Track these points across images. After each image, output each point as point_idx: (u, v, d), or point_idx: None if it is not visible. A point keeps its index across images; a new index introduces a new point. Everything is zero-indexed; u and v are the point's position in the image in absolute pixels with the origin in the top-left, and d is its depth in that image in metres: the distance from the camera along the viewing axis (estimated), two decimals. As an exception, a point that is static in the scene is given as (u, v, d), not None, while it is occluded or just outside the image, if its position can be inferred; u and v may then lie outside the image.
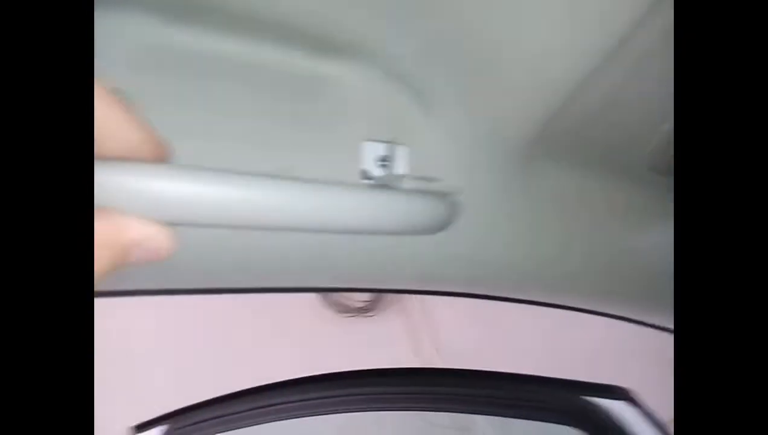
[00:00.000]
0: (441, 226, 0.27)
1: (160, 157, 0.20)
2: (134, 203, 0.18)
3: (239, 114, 0.29)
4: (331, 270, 0.35)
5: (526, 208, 0.37)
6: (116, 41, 0.26)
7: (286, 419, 0.68)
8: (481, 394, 0.68)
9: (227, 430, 0.65)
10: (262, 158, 0.29)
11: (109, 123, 0.18)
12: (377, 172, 0.32)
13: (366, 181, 0.31)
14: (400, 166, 0.32)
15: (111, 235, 0.18)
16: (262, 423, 0.65)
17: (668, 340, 0.36)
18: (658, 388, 0.60)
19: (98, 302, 0.17)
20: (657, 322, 0.54)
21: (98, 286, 0.17)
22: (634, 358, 1.01)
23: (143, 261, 0.19)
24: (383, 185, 0.30)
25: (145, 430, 0.65)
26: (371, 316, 1.32)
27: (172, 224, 0.19)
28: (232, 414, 0.67)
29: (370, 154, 0.32)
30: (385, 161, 0.32)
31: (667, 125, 0.32)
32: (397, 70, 0.30)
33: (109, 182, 0.18)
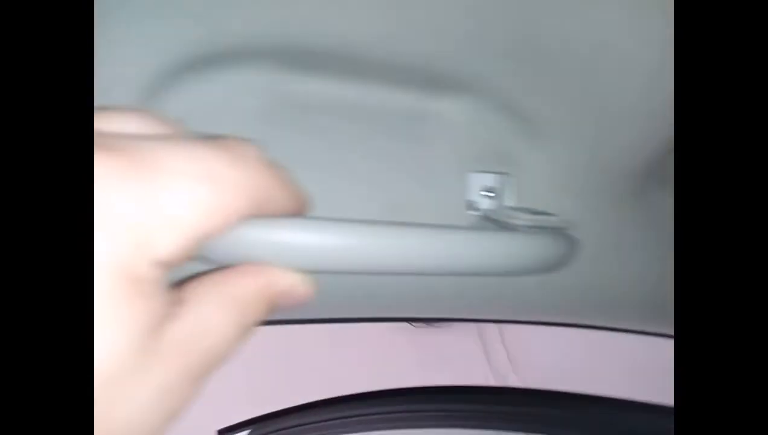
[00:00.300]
0: (559, 266, 0.27)
1: (302, 208, 0.21)
2: (281, 256, 0.20)
3: (352, 155, 0.30)
4: (435, 301, 0.35)
5: (641, 241, 0.36)
6: (245, 95, 0.27)
7: (362, 431, 0.69)
8: (560, 416, 0.66)
9: (305, 439, 0.67)
10: (376, 196, 0.30)
11: (272, 190, 0.19)
12: (484, 203, 0.32)
13: (472, 213, 0.32)
14: (507, 198, 0.32)
15: (265, 289, 0.19)
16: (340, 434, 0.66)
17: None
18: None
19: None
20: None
21: (248, 338, 0.18)
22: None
23: (288, 307, 0.20)
24: (497, 222, 0.30)
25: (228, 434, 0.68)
26: (440, 326, 1.32)
27: (310, 272, 0.21)
28: (310, 423, 0.68)
29: (476, 186, 0.32)
30: (491, 192, 0.32)
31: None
32: (504, 102, 0.31)
33: (260, 239, 0.19)
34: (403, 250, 0.22)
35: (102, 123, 0.17)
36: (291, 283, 0.20)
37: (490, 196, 0.32)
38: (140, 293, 0.15)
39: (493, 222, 0.31)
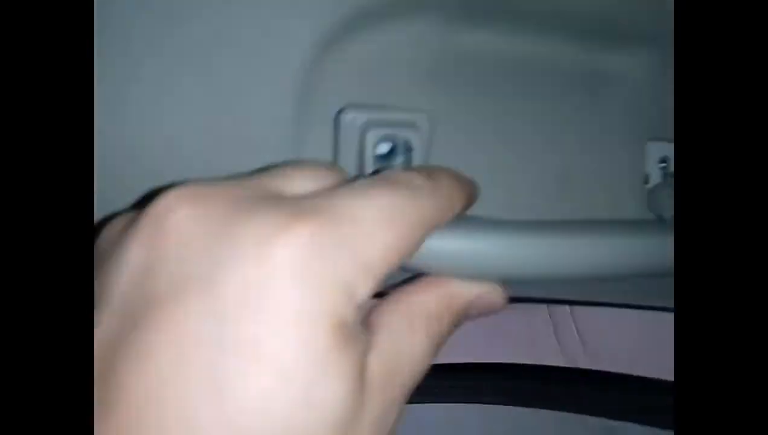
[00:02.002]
0: None
1: (473, 200, 0.21)
2: (462, 266, 0.20)
3: (520, 115, 0.28)
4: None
5: None
6: (412, 50, 0.25)
7: (425, 402, 0.70)
8: (630, 401, 0.64)
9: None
10: (545, 163, 0.29)
11: (448, 209, 0.20)
12: (658, 175, 0.30)
13: (647, 186, 0.30)
14: None
15: (452, 302, 0.20)
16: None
17: None
18: None
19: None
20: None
21: (438, 354, 0.19)
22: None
23: (480, 316, 0.21)
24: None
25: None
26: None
27: (500, 281, 0.21)
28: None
29: (654, 155, 0.30)
30: (665, 163, 0.30)
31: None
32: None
33: (437, 248, 0.19)
34: (592, 259, 0.21)
35: (283, 186, 0.18)
36: (477, 293, 0.21)
37: (663, 168, 0.30)
38: (350, 338, 0.16)
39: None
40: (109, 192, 0.23)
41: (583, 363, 0.79)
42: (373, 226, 0.17)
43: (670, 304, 0.41)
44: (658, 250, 0.22)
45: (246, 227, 0.16)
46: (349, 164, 0.25)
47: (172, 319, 0.15)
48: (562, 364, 0.79)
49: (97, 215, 0.22)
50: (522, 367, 0.76)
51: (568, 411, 0.75)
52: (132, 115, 0.23)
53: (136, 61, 0.22)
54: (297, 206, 0.17)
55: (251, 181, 0.18)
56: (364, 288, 0.16)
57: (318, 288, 0.15)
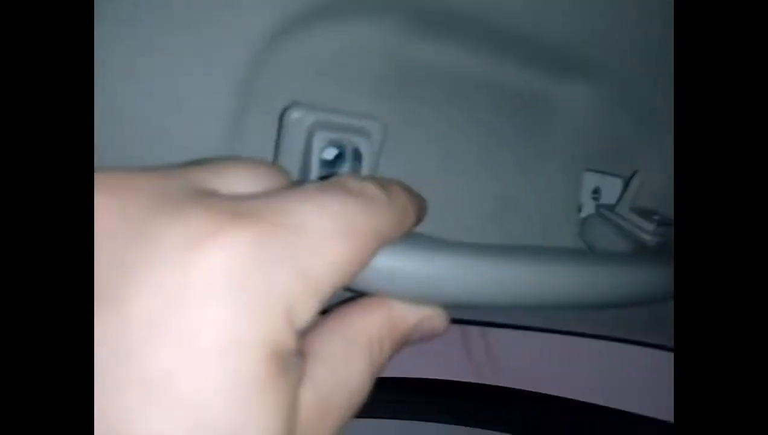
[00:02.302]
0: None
1: (421, 217, 0.20)
2: (408, 289, 0.18)
3: (467, 133, 0.27)
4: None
5: None
6: (364, 54, 0.24)
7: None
8: (532, 417, 0.66)
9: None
10: (486, 185, 0.28)
11: (400, 224, 0.18)
12: (590, 206, 0.30)
13: (582, 215, 0.30)
14: (612, 198, 0.30)
15: (393, 325, 0.18)
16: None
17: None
18: None
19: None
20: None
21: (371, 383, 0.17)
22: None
23: (421, 340, 0.19)
24: (614, 227, 0.28)
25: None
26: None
27: (442, 305, 0.19)
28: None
29: (589, 185, 0.30)
30: (597, 193, 0.30)
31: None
32: (629, 96, 0.29)
33: (378, 267, 0.17)
34: (540, 287, 0.20)
35: (218, 183, 0.15)
36: (421, 318, 0.19)
37: (595, 198, 0.30)
38: (284, 369, 0.13)
39: (608, 225, 0.29)
40: None
41: (490, 378, 0.81)
42: (323, 238, 0.14)
43: (583, 328, 0.43)
44: (610, 279, 0.22)
45: (169, 227, 0.13)
46: (291, 167, 0.23)
47: None
48: (471, 380, 0.80)
49: None
50: (433, 381, 0.77)
51: (475, 426, 0.76)
52: None
53: None
54: (234, 207, 0.14)
55: (180, 173, 0.15)
56: (307, 310, 0.14)
57: (253, 308, 0.13)
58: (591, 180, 0.30)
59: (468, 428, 0.77)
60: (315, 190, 0.15)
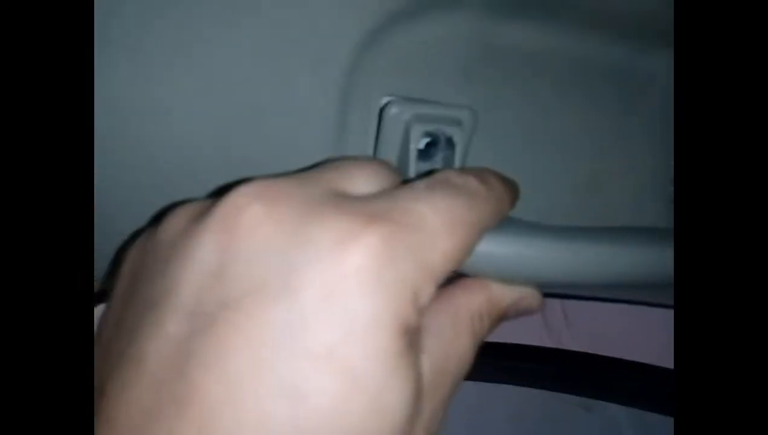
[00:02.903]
0: None
1: (516, 202, 0.22)
2: (504, 271, 0.20)
3: (556, 113, 0.28)
4: None
5: None
6: (452, 43, 0.25)
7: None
8: (614, 383, 0.67)
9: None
10: (574, 165, 0.29)
11: (499, 213, 0.20)
12: None
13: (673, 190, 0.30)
14: None
15: (493, 305, 0.21)
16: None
17: None
18: None
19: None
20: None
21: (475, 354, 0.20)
22: None
23: (517, 317, 0.22)
24: None
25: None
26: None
27: (536, 285, 0.21)
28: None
29: None
30: None
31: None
32: None
33: (479, 254, 0.19)
34: (633, 267, 0.21)
35: (347, 184, 0.18)
36: (517, 297, 0.21)
37: None
38: (413, 343, 0.16)
39: None
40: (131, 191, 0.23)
41: (568, 344, 0.81)
42: (437, 233, 0.17)
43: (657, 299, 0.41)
44: None
45: (321, 229, 0.16)
46: (389, 157, 0.25)
47: (248, 323, 0.15)
48: (548, 344, 0.81)
49: (107, 216, 0.22)
50: (509, 346, 0.78)
51: (551, 389, 0.77)
52: (164, 106, 0.22)
53: (174, 55, 0.22)
54: (368, 209, 0.17)
55: (318, 178, 0.18)
56: (427, 293, 0.17)
57: (389, 294, 0.16)
58: None
59: (541, 391, 0.79)
60: (426, 190, 0.18)
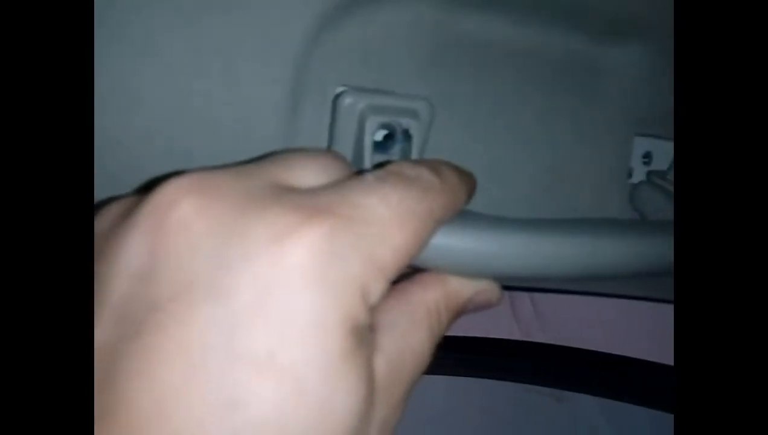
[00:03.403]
0: None
1: (471, 194, 0.21)
2: (460, 264, 0.20)
3: (517, 105, 0.27)
4: None
5: None
6: (409, 33, 0.24)
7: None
8: (585, 375, 0.67)
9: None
10: (536, 155, 0.28)
11: (453, 205, 0.19)
12: (641, 171, 0.30)
13: (632, 181, 0.30)
14: (664, 163, 0.30)
15: (451, 300, 0.20)
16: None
17: None
18: None
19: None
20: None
21: (436, 346, 0.19)
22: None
23: (476, 311, 0.21)
24: (665, 193, 0.28)
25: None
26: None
27: (493, 278, 0.21)
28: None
29: (638, 151, 0.30)
30: (647, 158, 0.30)
31: None
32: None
33: (434, 247, 0.18)
34: (592, 260, 0.21)
35: (291, 177, 0.17)
36: (475, 291, 0.20)
37: (646, 163, 0.30)
38: (362, 342, 0.15)
39: (659, 192, 0.29)
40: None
41: (537, 336, 0.82)
42: (387, 226, 0.16)
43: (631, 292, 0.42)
44: (659, 250, 0.22)
45: (258, 224, 0.15)
46: (345, 149, 0.24)
47: (178, 326, 0.14)
48: (517, 338, 0.81)
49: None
50: (479, 340, 0.78)
51: (522, 382, 0.78)
52: (113, 97, 0.21)
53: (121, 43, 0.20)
54: (311, 202, 0.15)
55: (259, 171, 0.17)
56: (378, 289, 0.16)
57: (334, 291, 0.15)
58: (642, 144, 0.30)
59: (512, 383, 0.79)
60: (376, 182, 0.17)
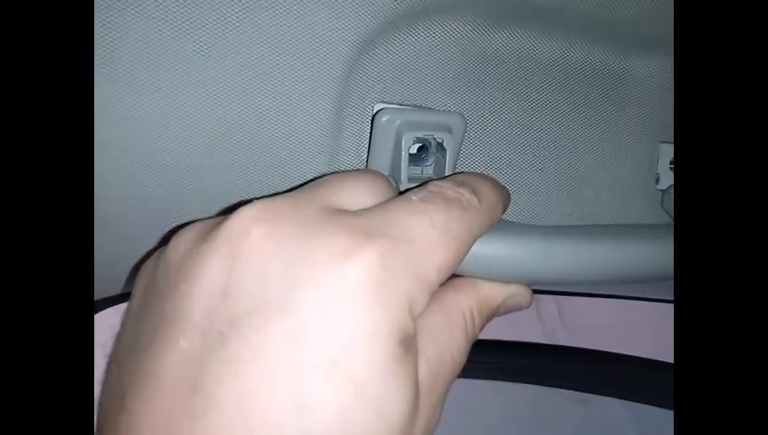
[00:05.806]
0: None
1: (506, 207, 0.23)
2: (494, 270, 0.21)
3: (545, 116, 0.29)
4: None
5: None
6: (443, 50, 0.26)
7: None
8: (609, 377, 0.68)
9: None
10: (562, 163, 0.30)
11: (490, 220, 0.21)
12: (669, 178, 0.31)
13: (660, 187, 0.31)
14: None
15: (484, 304, 0.22)
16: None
17: None
18: None
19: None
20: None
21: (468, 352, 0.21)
22: None
23: (507, 313, 0.23)
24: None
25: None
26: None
27: (529, 283, 0.22)
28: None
29: (666, 157, 0.31)
30: (673, 164, 0.31)
31: None
32: None
33: (470, 255, 0.20)
34: (622, 265, 0.22)
35: (342, 199, 0.19)
36: (507, 295, 0.22)
37: (672, 169, 0.31)
38: (409, 349, 0.17)
39: None
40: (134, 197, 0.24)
41: (562, 339, 0.82)
42: (431, 246, 0.18)
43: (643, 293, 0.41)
44: None
45: (318, 247, 0.17)
46: (383, 162, 0.25)
47: (255, 339, 0.16)
48: (542, 340, 0.82)
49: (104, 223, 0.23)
50: (503, 343, 0.79)
51: (546, 384, 0.78)
52: (174, 120, 0.23)
53: (170, 62, 0.22)
54: (363, 225, 0.18)
55: (312, 196, 0.19)
56: (422, 303, 0.18)
57: (387, 305, 0.17)
58: (667, 151, 0.31)
59: (533, 386, 0.80)
60: (421, 204, 0.19)
